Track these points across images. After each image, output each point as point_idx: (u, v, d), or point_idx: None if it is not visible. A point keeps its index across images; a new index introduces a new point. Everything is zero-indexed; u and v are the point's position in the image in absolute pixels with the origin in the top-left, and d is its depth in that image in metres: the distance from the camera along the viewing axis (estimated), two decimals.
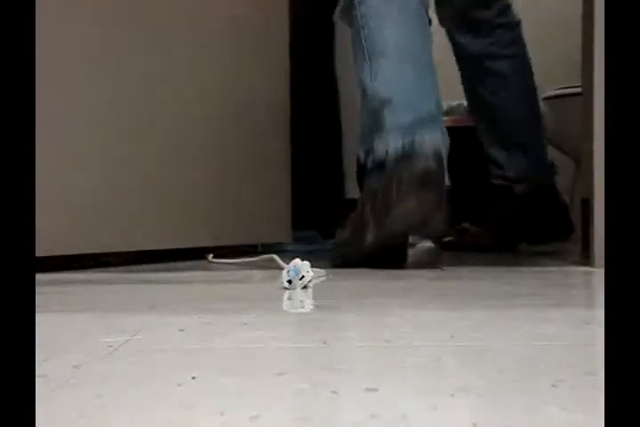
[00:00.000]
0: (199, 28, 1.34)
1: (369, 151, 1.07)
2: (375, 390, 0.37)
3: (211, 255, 1.34)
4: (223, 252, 1.40)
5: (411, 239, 1.34)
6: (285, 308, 0.71)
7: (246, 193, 1.41)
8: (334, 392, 0.37)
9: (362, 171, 1.09)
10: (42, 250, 1.08)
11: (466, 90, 1.56)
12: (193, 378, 0.40)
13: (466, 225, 1.58)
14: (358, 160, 1.11)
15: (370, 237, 1.04)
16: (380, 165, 1.03)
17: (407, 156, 0.99)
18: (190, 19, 1.32)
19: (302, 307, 0.71)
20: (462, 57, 1.53)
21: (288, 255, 1.07)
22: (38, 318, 0.63)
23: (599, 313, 0.63)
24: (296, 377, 0.40)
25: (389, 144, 1.03)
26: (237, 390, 0.38)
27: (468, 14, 1.49)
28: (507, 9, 1.50)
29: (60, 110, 1.14)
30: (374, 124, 1.07)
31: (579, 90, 1.23)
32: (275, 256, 1.10)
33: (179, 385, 0.39)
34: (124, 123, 1.23)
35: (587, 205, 1.11)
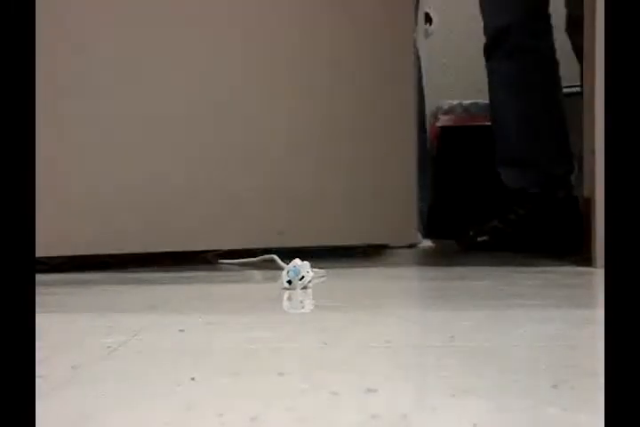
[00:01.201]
0: (312, 25, 1.30)
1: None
2: (375, 390, 0.37)
3: (211, 255, 1.34)
4: (224, 252, 1.39)
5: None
6: (285, 308, 0.71)
7: (370, 192, 1.35)
8: (334, 392, 0.36)
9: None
10: (42, 250, 1.08)
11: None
12: (193, 378, 0.40)
13: (495, 223, 1.56)
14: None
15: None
16: None
17: None
18: (302, 17, 1.30)
19: (302, 307, 0.71)
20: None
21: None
22: (38, 318, 0.62)
23: (599, 313, 0.63)
24: (296, 377, 0.40)
25: None
26: (237, 390, 0.37)
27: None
28: None
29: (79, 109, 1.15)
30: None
31: (579, 89, 1.23)
32: (275, 256, 1.10)
33: (178, 385, 0.38)
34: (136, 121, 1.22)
35: (588, 205, 1.11)
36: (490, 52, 1.53)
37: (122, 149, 1.21)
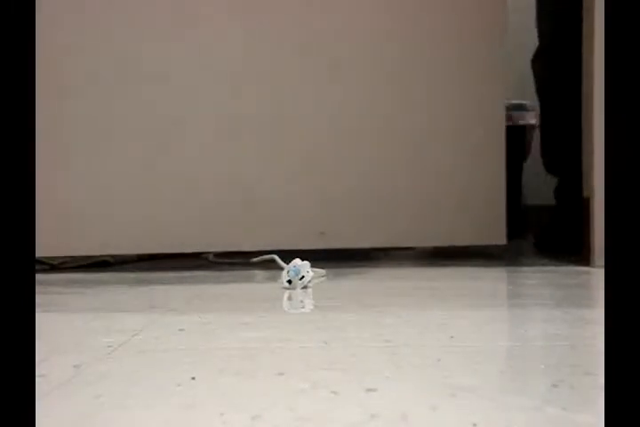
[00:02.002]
0: (404, 25, 1.29)
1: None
2: (375, 390, 0.37)
3: (211, 255, 1.34)
4: (223, 251, 1.39)
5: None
6: (285, 308, 0.71)
7: (454, 190, 1.32)
8: (334, 392, 0.37)
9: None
10: (42, 250, 1.08)
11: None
12: (193, 378, 0.40)
13: None
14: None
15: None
16: None
17: None
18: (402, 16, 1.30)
19: (302, 307, 0.71)
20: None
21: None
22: (38, 318, 0.62)
23: (599, 313, 0.63)
24: (296, 377, 0.40)
25: None
26: (237, 390, 0.38)
27: None
28: None
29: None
30: None
31: None
32: (275, 256, 1.10)
33: (179, 385, 0.39)
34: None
35: (587, 205, 1.11)
36: (535, 55, 1.55)
37: (124, 148, 1.21)
